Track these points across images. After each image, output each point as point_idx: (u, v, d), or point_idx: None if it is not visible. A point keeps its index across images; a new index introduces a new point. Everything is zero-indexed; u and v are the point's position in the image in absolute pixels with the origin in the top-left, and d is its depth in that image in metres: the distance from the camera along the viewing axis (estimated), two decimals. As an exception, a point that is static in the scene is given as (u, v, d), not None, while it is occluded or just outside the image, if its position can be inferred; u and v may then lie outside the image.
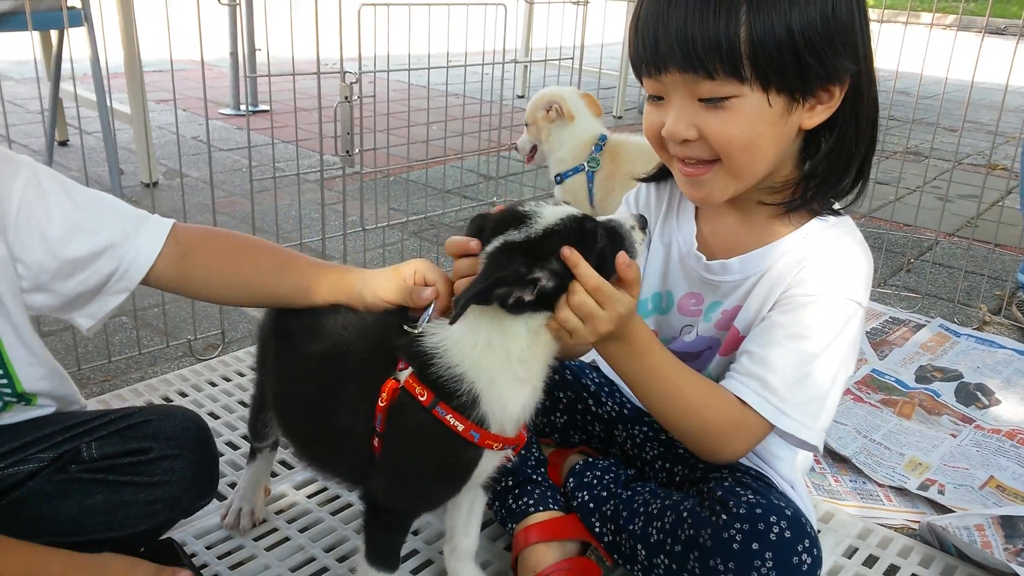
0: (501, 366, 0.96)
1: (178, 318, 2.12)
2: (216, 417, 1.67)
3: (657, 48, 1.00)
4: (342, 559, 1.31)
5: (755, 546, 1.00)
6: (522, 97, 4.70)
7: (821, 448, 1.09)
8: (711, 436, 1.07)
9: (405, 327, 1.01)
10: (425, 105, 2.78)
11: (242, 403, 1.73)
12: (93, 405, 1.41)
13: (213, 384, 1.80)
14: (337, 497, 1.45)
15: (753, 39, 0.95)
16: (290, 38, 1.92)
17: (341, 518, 1.40)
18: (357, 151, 2.13)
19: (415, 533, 1.37)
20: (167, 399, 1.72)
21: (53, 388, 1.13)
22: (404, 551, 1.32)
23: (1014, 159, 4.20)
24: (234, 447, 1.58)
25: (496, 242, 0.94)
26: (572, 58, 2.75)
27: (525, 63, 3.41)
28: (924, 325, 2.28)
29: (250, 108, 4.08)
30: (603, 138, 2.51)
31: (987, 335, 2.25)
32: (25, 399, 1.10)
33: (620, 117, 4.85)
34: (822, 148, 1.08)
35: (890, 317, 2.33)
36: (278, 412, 1.16)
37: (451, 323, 0.92)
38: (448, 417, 0.95)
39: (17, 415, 1.10)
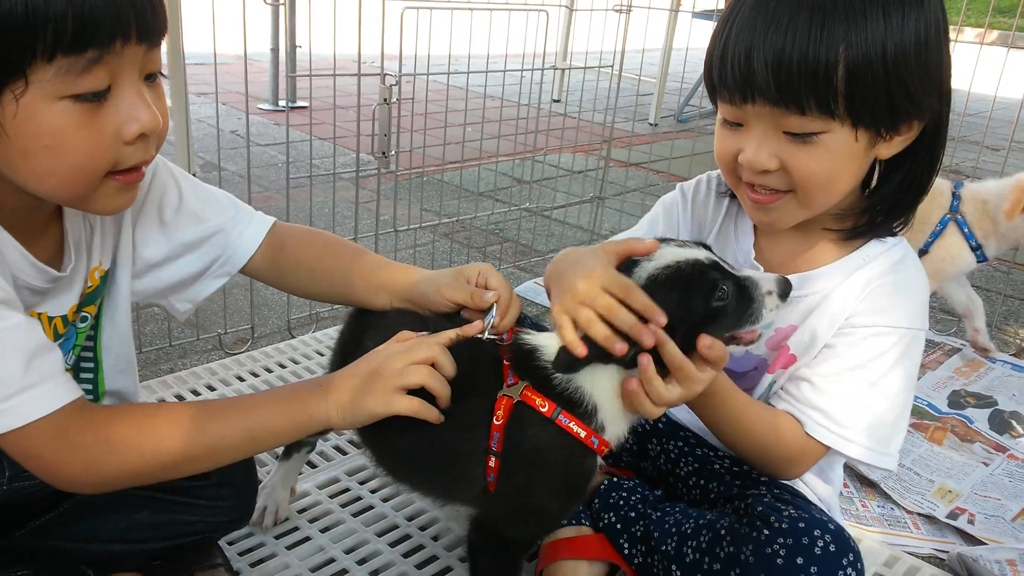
0: (614, 383, 0.98)
1: (209, 311, 2.15)
2: (243, 412, 1.69)
3: (749, 77, 0.96)
4: (361, 562, 1.31)
5: (800, 560, 0.98)
6: (557, 101, 4.69)
7: (895, 469, 1.14)
8: (778, 464, 1.13)
9: (483, 336, 1.02)
10: (462, 106, 2.79)
11: (269, 399, 1.74)
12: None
13: (241, 379, 1.82)
14: (359, 499, 1.46)
15: (850, 67, 0.93)
16: (333, 36, 1.93)
17: (363, 520, 1.40)
18: (393, 152, 2.14)
19: (435, 539, 1.37)
20: (195, 392, 1.74)
21: (127, 385, 1.16)
22: (423, 557, 1.32)
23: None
24: (260, 443, 1.59)
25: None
26: (612, 65, 2.74)
27: (565, 69, 3.40)
28: (959, 349, 2.23)
29: (289, 104, 4.12)
30: (958, 185, 2.14)
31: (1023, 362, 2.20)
32: (97, 397, 1.13)
33: (656, 124, 4.83)
34: (892, 178, 1.07)
35: (925, 340, 2.28)
36: (364, 431, 1.10)
37: (565, 372, 0.96)
38: (572, 425, 0.97)
39: None
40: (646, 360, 0.92)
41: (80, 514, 1.11)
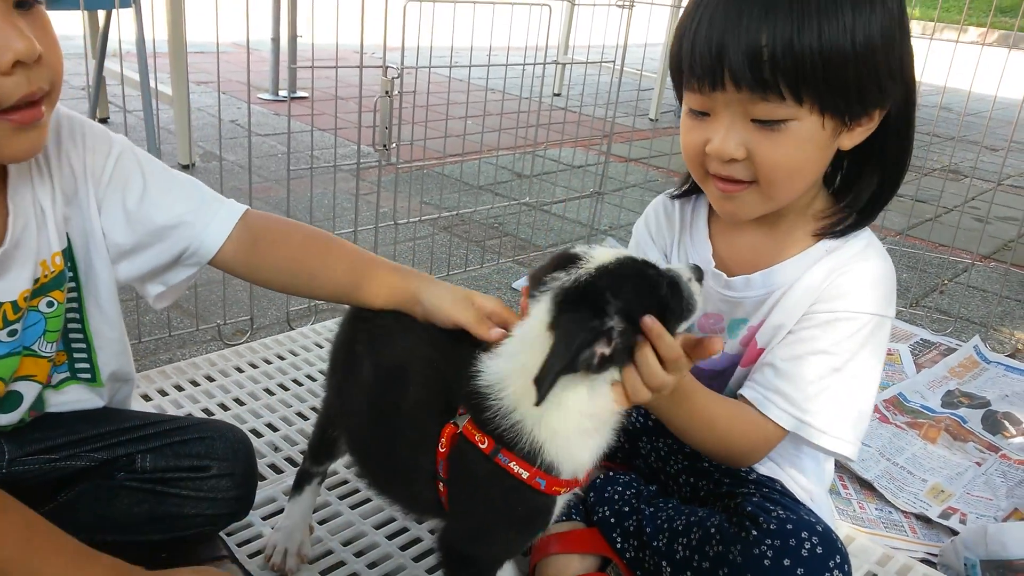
0: (562, 418, 0.88)
1: (208, 302, 2.15)
2: (241, 403, 1.69)
3: (720, 64, 0.96)
4: (359, 554, 1.32)
5: (787, 562, 0.99)
6: (558, 95, 4.69)
7: (855, 457, 1.09)
8: (740, 455, 1.11)
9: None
10: (463, 99, 2.79)
11: (267, 391, 1.75)
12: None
13: (240, 370, 1.82)
14: (356, 491, 1.46)
15: (823, 53, 0.93)
16: (336, 27, 1.93)
17: (360, 512, 1.41)
18: (394, 144, 2.14)
19: (432, 532, 1.37)
20: (194, 383, 1.75)
21: (123, 365, 1.16)
22: (420, 550, 1.33)
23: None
24: (258, 435, 1.60)
25: (547, 288, 0.87)
26: (613, 60, 2.74)
27: (567, 63, 3.40)
28: (955, 349, 2.24)
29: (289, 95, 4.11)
30: None
31: (1018, 363, 2.21)
32: (94, 379, 1.13)
33: (656, 120, 4.83)
34: (865, 177, 1.08)
35: (921, 339, 2.30)
36: (348, 435, 1.12)
37: (537, 403, 0.80)
38: (512, 464, 0.90)
39: (67, 401, 1.12)
40: (650, 320, 0.85)
41: (78, 506, 1.11)
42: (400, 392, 1.00)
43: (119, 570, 0.96)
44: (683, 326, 0.93)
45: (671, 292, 0.90)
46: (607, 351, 0.84)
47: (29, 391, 1.05)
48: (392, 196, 2.76)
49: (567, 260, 0.89)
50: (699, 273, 0.95)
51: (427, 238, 2.75)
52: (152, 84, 2.78)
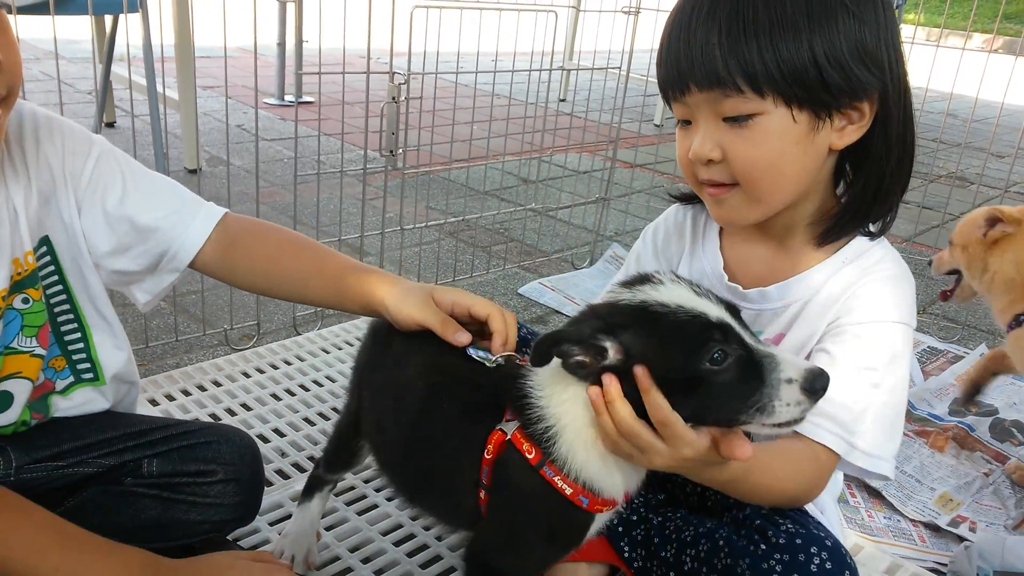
0: (590, 436, 0.88)
1: (215, 306, 2.15)
2: (249, 408, 1.69)
3: (679, 67, 1.00)
4: (366, 560, 1.32)
5: None
6: (564, 101, 4.69)
7: (892, 477, 1.07)
8: (797, 498, 1.06)
9: (475, 356, 0.99)
10: (469, 104, 2.79)
11: (275, 395, 1.75)
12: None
13: (247, 375, 1.82)
14: (364, 497, 1.46)
15: (772, 41, 0.95)
16: (343, 33, 1.93)
17: (367, 518, 1.41)
18: (400, 150, 2.14)
19: (439, 539, 1.37)
20: (201, 387, 1.75)
21: (124, 366, 1.16)
22: (427, 557, 1.33)
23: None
24: (265, 440, 1.60)
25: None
26: (619, 66, 2.74)
27: (572, 69, 3.40)
28: (962, 356, 2.23)
29: (297, 100, 4.12)
30: None
31: (1027, 371, 2.20)
32: (97, 378, 1.14)
33: (660, 126, 4.83)
34: (860, 174, 1.06)
35: (928, 347, 2.29)
36: (376, 446, 1.12)
37: (533, 364, 0.85)
38: (556, 479, 0.89)
39: (76, 404, 1.13)
40: (640, 371, 0.82)
41: (85, 512, 1.10)
42: (443, 397, 1.00)
43: (146, 558, 0.97)
44: (748, 422, 0.83)
45: (743, 370, 0.82)
46: (586, 360, 0.83)
47: (19, 389, 1.05)
48: (398, 201, 2.76)
49: (640, 280, 0.88)
50: (815, 382, 0.81)
51: (433, 243, 2.75)
52: (159, 89, 2.78)
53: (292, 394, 1.76)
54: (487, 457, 0.93)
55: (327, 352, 1.95)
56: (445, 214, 2.92)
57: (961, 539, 1.51)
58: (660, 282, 0.86)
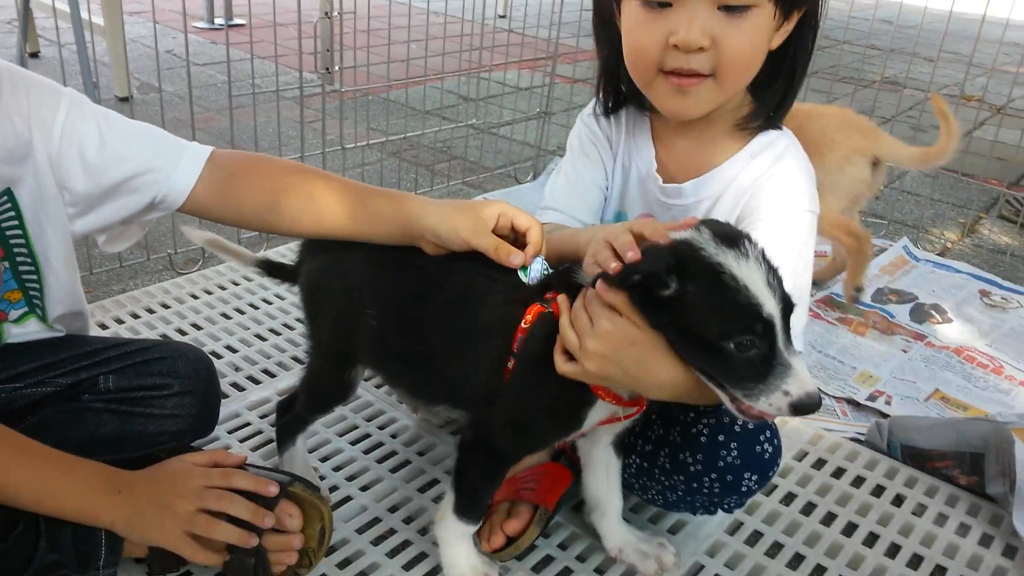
0: None
1: (158, 232, 2.15)
2: (199, 328, 1.72)
3: None
4: (364, 488, 1.37)
5: (721, 437, 1.07)
6: (503, 17, 4.63)
7: (802, 350, 1.15)
8: None
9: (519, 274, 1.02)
10: (405, 23, 2.75)
11: (224, 315, 1.77)
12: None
13: (195, 296, 1.84)
14: (356, 427, 1.47)
15: None
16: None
17: (361, 447, 1.42)
18: (337, 68, 2.13)
19: (407, 521, 1.28)
20: (150, 310, 1.77)
21: (70, 307, 1.18)
22: (396, 542, 1.25)
23: (984, 89, 4.23)
24: (218, 356, 1.63)
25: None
26: (555, -23, 2.72)
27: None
28: (885, 249, 2.35)
29: (227, 22, 3.99)
30: None
31: (945, 260, 2.34)
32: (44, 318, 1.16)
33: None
34: (779, 72, 1.12)
35: (855, 242, 2.40)
36: (389, 356, 1.14)
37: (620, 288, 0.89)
38: None
39: (29, 332, 1.15)
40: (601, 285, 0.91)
41: (44, 430, 1.10)
42: (480, 291, 1.04)
43: (105, 471, 1.01)
44: (727, 393, 0.89)
45: (761, 359, 0.85)
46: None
47: None
48: (338, 123, 2.74)
49: (729, 239, 0.89)
50: (801, 408, 0.85)
51: (376, 164, 2.76)
52: (84, 15, 2.68)
53: (242, 312, 1.80)
54: (523, 327, 0.99)
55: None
56: (386, 134, 2.91)
57: (880, 413, 1.64)
58: (745, 255, 0.87)
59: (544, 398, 1.00)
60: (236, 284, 1.91)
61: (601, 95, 1.24)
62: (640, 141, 1.24)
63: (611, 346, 0.90)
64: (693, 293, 0.86)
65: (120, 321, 1.71)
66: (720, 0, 1.01)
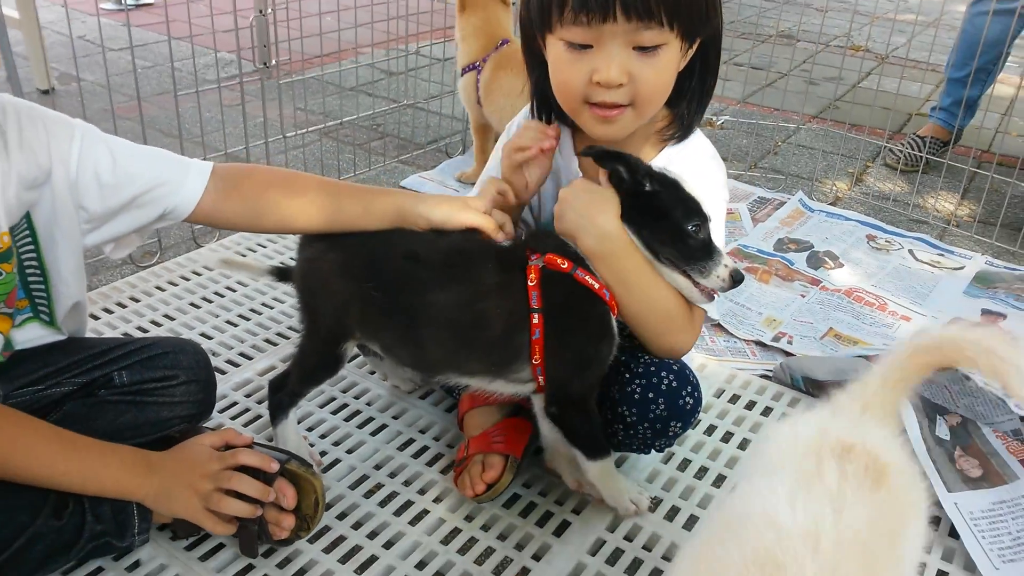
0: None
1: (111, 228, 2.22)
2: (171, 319, 1.85)
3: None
4: (350, 451, 1.55)
5: (651, 395, 1.28)
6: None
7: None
8: (678, 330, 1.28)
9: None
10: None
11: (193, 304, 1.90)
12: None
13: (161, 289, 1.95)
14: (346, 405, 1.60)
15: None
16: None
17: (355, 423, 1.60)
18: (274, 61, 2.22)
19: (391, 475, 1.46)
20: (121, 304, 1.88)
21: (77, 312, 1.31)
22: (385, 494, 1.40)
23: (868, 38, 4.55)
24: (194, 344, 1.76)
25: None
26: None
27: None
28: (784, 203, 2.63)
29: (132, 2, 3.94)
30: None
31: (836, 209, 2.63)
32: (52, 321, 1.28)
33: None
34: (689, 89, 1.29)
35: (758, 197, 2.67)
36: (390, 334, 1.30)
37: (585, 154, 1.24)
38: (587, 278, 1.20)
39: (31, 337, 1.27)
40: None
41: (68, 424, 1.21)
42: (476, 262, 1.24)
43: (137, 455, 1.18)
44: (688, 274, 1.22)
45: (704, 243, 1.20)
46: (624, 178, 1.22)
47: None
48: (270, 107, 2.80)
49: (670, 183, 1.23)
50: (736, 282, 1.21)
51: (312, 145, 2.85)
52: (-2, 8, 2.66)
53: (209, 301, 1.92)
54: (531, 284, 1.20)
55: (233, 260, 2.10)
56: (321, 116, 3.00)
57: (784, 352, 1.91)
58: (686, 181, 1.22)
59: (584, 323, 1.23)
60: (197, 275, 2.03)
61: (534, 113, 1.38)
62: (567, 154, 1.38)
63: (572, 191, 1.23)
64: (663, 193, 1.20)
65: (95, 317, 1.82)
66: (634, 41, 1.14)
